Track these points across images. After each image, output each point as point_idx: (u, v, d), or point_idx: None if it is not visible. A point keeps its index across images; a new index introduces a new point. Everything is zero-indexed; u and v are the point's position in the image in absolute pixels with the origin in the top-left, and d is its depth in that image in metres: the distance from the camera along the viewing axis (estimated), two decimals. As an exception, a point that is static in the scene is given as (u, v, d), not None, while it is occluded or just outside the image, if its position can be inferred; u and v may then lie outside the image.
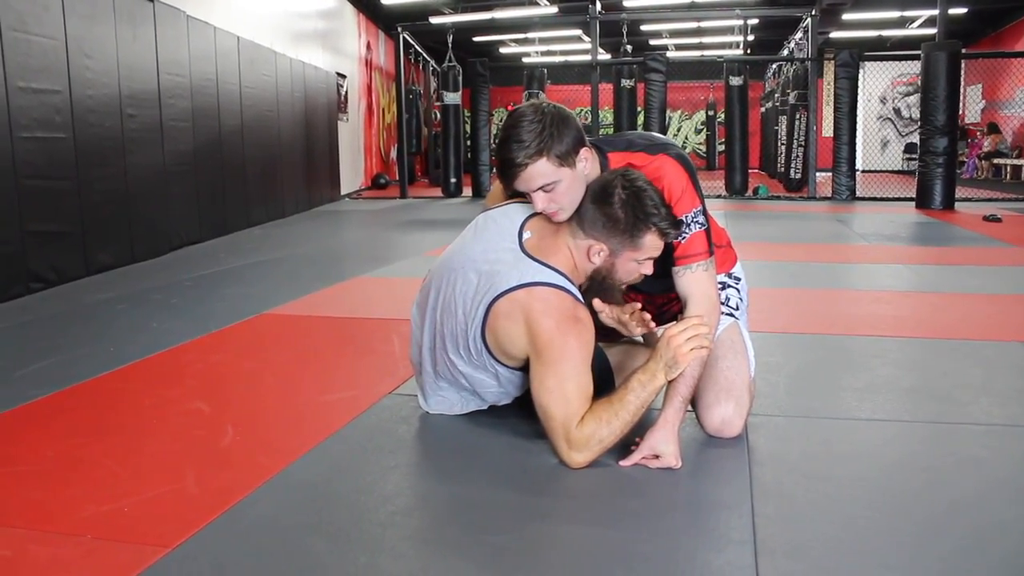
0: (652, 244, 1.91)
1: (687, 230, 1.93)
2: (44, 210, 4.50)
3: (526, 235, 1.99)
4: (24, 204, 4.32)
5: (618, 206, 1.87)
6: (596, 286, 1.99)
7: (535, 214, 2.02)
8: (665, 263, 1.97)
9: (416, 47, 12.84)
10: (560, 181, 1.88)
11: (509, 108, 1.95)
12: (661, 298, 2.17)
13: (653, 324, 2.01)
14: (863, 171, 13.46)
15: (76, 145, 4.78)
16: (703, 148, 18.92)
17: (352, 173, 12.20)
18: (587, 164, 1.92)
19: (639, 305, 2.02)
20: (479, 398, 2.16)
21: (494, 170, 1.98)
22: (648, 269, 1.95)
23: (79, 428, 2.23)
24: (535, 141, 1.85)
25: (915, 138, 10.28)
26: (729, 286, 2.18)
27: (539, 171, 1.87)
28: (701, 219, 1.95)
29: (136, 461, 1.97)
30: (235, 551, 1.53)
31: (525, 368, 1.95)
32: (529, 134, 1.85)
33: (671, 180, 1.93)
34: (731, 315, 2.12)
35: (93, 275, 4.86)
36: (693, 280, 1.94)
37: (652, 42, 15.41)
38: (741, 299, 2.19)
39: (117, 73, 5.25)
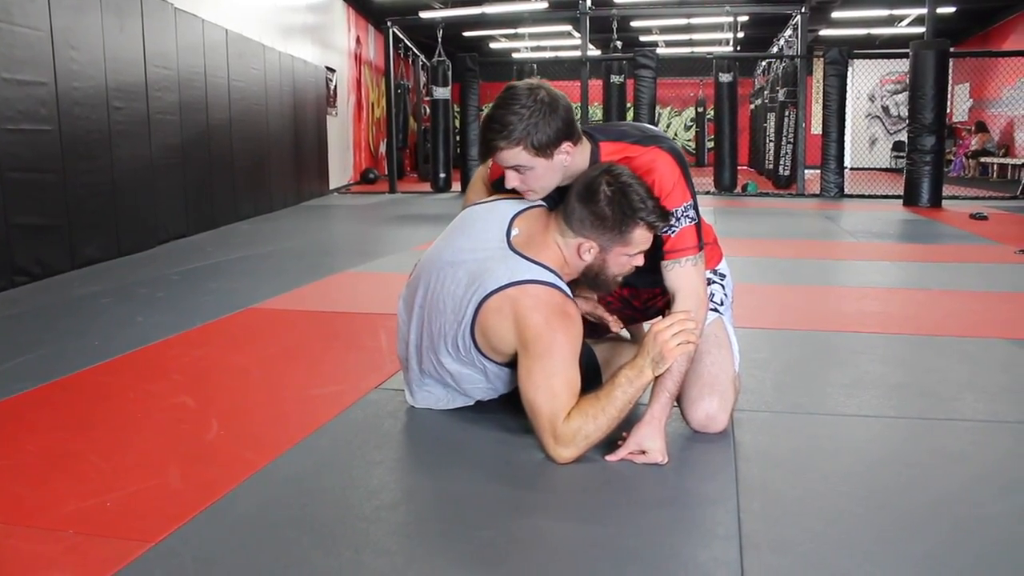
0: (641, 238, 1.91)
1: (677, 224, 1.93)
2: (29, 203, 4.45)
3: (514, 232, 1.98)
4: (8, 197, 4.28)
5: (604, 203, 1.86)
6: (590, 282, 1.99)
7: (523, 211, 2.01)
8: (654, 257, 1.96)
9: (406, 42, 12.79)
10: (533, 168, 1.89)
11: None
12: (647, 292, 2.17)
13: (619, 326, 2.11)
14: (851, 168, 13.50)
15: (61, 138, 4.73)
16: (692, 144, 18.94)
17: (341, 168, 12.15)
18: (568, 157, 1.91)
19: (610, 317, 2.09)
20: (466, 395, 2.16)
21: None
22: (640, 261, 1.95)
23: (62, 422, 2.21)
24: (516, 128, 1.83)
25: (903, 136, 10.34)
26: (714, 282, 2.17)
27: (512, 156, 1.87)
28: (692, 213, 1.94)
29: (120, 456, 1.96)
30: (219, 546, 1.52)
31: (513, 364, 1.95)
32: (513, 117, 1.84)
33: (663, 173, 1.93)
34: (716, 311, 2.12)
35: (78, 269, 4.82)
36: (682, 275, 1.94)
37: (642, 38, 15.41)
38: (726, 295, 2.19)
39: (104, 65, 5.20)
